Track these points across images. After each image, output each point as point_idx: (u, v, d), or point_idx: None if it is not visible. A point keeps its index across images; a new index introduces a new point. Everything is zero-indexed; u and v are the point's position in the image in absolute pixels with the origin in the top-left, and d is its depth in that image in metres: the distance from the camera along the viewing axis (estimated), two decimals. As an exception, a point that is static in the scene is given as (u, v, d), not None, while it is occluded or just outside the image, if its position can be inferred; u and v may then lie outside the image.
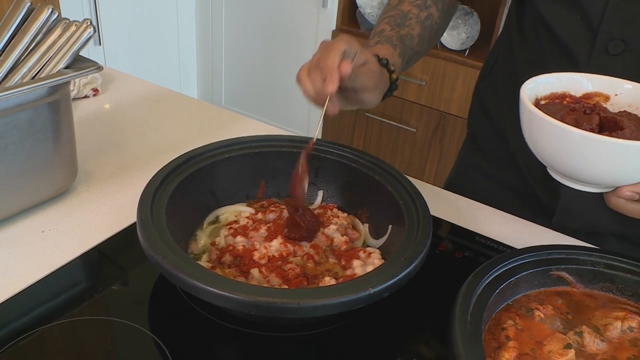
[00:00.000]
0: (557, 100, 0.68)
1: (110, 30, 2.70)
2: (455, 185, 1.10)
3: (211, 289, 0.54)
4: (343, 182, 0.80)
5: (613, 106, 0.68)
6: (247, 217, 0.76)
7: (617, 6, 0.75)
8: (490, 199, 0.94)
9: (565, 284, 0.65)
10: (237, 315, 0.64)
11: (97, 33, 2.62)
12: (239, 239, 0.71)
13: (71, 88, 1.06)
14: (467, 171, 1.10)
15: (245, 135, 0.82)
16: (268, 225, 0.73)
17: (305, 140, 0.82)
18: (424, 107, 2.55)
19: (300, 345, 0.64)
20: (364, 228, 0.77)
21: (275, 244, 0.70)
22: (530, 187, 0.94)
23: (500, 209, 0.91)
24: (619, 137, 0.58)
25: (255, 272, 0.65)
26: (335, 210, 0.78)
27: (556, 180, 0.66)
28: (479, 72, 1.07)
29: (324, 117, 0.71)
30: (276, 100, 3.07)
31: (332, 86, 0.67)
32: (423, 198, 0.70)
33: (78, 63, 0.77)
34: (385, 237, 0.72)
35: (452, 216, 0.86)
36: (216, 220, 0.77)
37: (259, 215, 0.76)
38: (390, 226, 0.72)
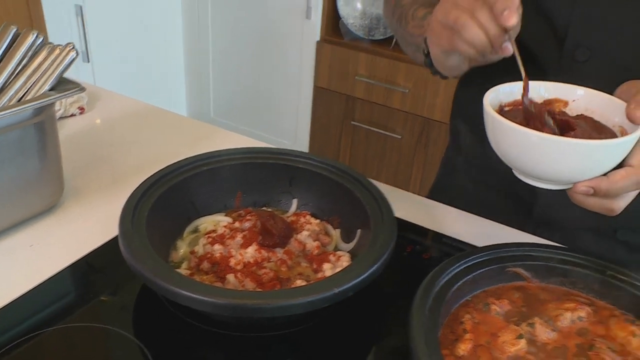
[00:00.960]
0: (519, 107, 0.71)
1: (98, 48, 2.74)
2: (440, 189, 1.14)
3: (186, 293, 0.58)
4: (316, 190, 0.84)
5: (571, 111, 0.72)
6: (225, 226, 0.80)
7: (582, 14, 0.79)
8: (475, 200, 0.99)
9: (521, 279, 0.69)
10: (216, 318, 0.68)
11: (85, 51, 2.67)
12: (217, 247, 0.75)
13: (57, 108, 1.10)
14: (450, 175, 1.13)
15: (222, 147, 0.87)
16: (244, 233, 0.77)
17: (281, 152, 0.87)
18: (408, 113, 2.61)
19: (277, 344, 0.68)
20: (336, 233, 0.81)
21: (250, 251, 0.74)
22: (511, 187, 0.97)
23: (485, 210, 0.94)
24: (570, 137, 0.62)
25: (231, 277, 0.70)
26: (308, 217, 0.82)
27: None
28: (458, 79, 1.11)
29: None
30: (264, 110, 3.12)
31: (515, 17, 0.62)
32: (387, 202, 0.75)
33: (62, 84, 0.81)
34: (355, 241, 0.77)
35: (422, 220, 0.90)
36: (196, 230, 0.81)
37: (236, 224, 0.80)
38: (359, 230, 0.76)
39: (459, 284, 0.64)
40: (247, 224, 0.80)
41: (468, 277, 0.65)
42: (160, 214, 0.75)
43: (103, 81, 2.79)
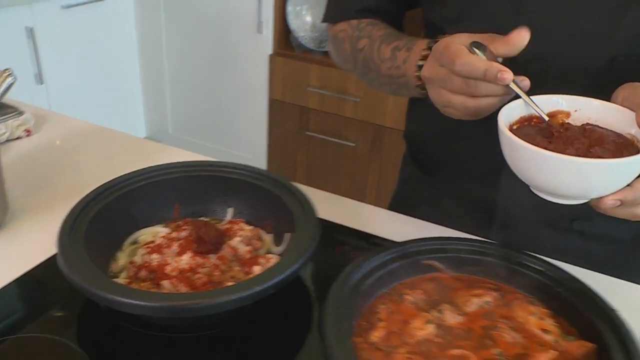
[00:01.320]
0: (525, 123, 0.71)
1: (52, 70, 2.76)
2: (400, 202, 1.17)
3: (116, 298, 0.63)
4: (248, 198, 0.89)
5: (575, 121, 0.71)
6: (163, 237, 0.84)
7: (531, 25, 0.79)
8: (436, 209, 1.00)
9: (435, 270, 0.75)
10: (154, 322, 0.72)
11: (37, 73, 2.68)
12: (154, 256, 0.79)
13: (3, 131, 1.14)
14: (410, 187, 1.16)
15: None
16: (180, 242, 0.82)
17: (215, 164, 0.92)
18: (361, 121, 2.68)
19: (215, 342, 0.72)
20: (268, 238, 0.86)
21: (185, 258, 0.79)
22: (473, 194, 0.99)
23: (446, 218, 0.96)
24: (596, 155, 0.63)
25: (166, 283, 0.74)
26: (241, 224, 0.87)
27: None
28: None
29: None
30: (222, 125, 3.16)
31: (508, 74, 0.68)
32: (311, 205, 0.80)
33: (2, 109, 0.85)
34: (285, 244, 0.82)
35: (352, 221, 0.95)
36: (135, 241, 0.85)
37: (174, 234, 0.85)
38: (287, 234, 0.82)
39: (374, 277, 0.70)
40: (183, 234, 0.84)
41: (384, 270, 0.71)
42: (100, 228, 0.79)
43: (58, 103, 2.81)
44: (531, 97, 0.70)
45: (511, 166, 0.68)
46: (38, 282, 0.81)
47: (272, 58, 2.82)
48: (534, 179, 0.66)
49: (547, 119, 0.69)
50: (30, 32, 2.60)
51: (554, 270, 0.72)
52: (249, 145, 3.10)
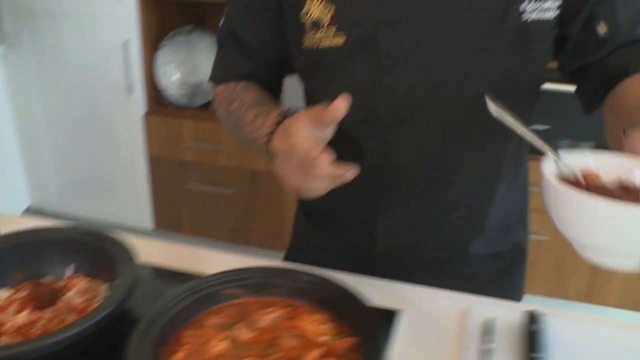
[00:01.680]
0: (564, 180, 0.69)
1: None
2: (295, 252, 1.26)
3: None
4: (84, 254, 1.00)
5: (608, 182, 0.70)
6: (6, 298, 0.94)
7: (393, 84, 0.92)
8: (327, 258, 1.06)
9: (237, 297, 0.89)
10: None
11: None
12: None
13: None
14: (303, 240, 1.26)
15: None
16: (19, 301, 0.92)
17: (53, 229, 1.03)
18: (236, 168, 2.82)
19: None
20: (103, 287, 0.98)
21: (23, 315, 0.89)
22: (355, 244, 1.12)
23: (335, 265, 1.03)
24: None
25: (4, 338, 0.85)
26: (79, 278, 0.98)
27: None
28: None
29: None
30: (104, 186, 3.21)
31: (324, 159, 0.76)
32: (127, 250, 0.93)
33: None
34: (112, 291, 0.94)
35: (182, 263, 1.08)
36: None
37: (14, 296, 0.95)
38: (114, 281, 0.94)
39: (179, 308, 0.82)
40: (23, 293, 0.95)
41: (185, 302, 0.84)
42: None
43: None
44: (562, 154, 0.70)
45: (557, 221, 0.66)
46: None
47: (146, 117, 2.92)
48: (588, 235, 0.63)
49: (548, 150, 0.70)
50: None
51: (329, 284, 0.87)
52: (133, 207, 3.16)
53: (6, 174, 3.31)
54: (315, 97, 1.03)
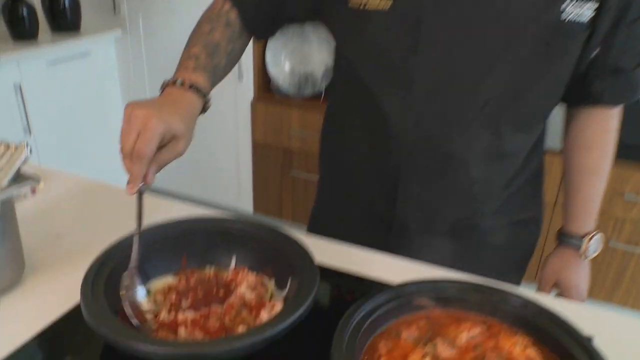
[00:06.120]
0: None
1: (40, 122, 2.83)
2: (317, 219, 1.34)
3: (145, 347, 0.69)
4: (251, 248, 0.97)
5: None
6: (174, 287, 0.91)
7: (423, 62, 0.97)
8: (346, 224, 1.17)
9: (426, 308, 0.83)
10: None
11: (26, 126, 2.75)
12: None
13: (11, 192, 1.20)
14: (324, 213, 1.32)
15: (165, 216, 0.99)
16: (192, 292, 0.89)
17: (218, 219, 0.99)
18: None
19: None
20: (270, 283, 0.93)
21: (195, 310, 0.86)
22: (371, 205, 1.15)
23: (351, 233, 1.13)
24: None
25: (182, 330, 0.81)
26: (245, 271, 0.94)
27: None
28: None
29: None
30: (207, 173, 3.24)
31: (131, 190, 0.85)
32: (308, 253, 0.88)
33: (20, 176, 0.91)
34: (287, 288, 0.89)
35: (343, 263, 1.03)
36: (149, 291, 0.92)
37: (180, 284, 0.92)
38: (289, 279, 0.89)
39: (372, 317, 0.77)
40: (194, 283, 0.91)
41: (380, 310, 0.78)
42: (116, 282, 0.85)
43: (46, 153, 2.87)
44: None
45: None
46: (57, 336, 0.87)
47: (254, 104, 2.91)
48: None
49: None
50: (18, 88, 2.67)
51: (528, 304, 0.80)
52: (234, 191, 3.17)
53: (116, 153, 3.35)
54: (348, 59, 1.07)
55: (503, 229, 1.14)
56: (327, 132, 1.25)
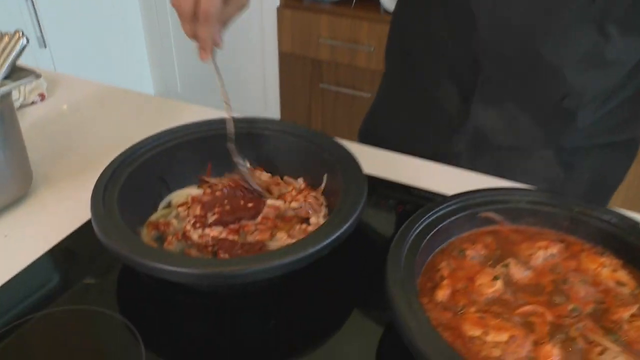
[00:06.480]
0: None
1: (54, 33, 2.68)
2: (367, 130, 1.21)
3: (160, 265, 0.58)
4: (283, 151, 0.85)
5: None
6: (198, 199, 0.80)
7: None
8: (404, 141, 1.02)
9: (493, 223, 0.70)
10: (197, 288, 0.68)
11: (40, 37, 2.61)
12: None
13: (16, 97, 1.08)
14: (381, 115, 1.19)
15: (188, 122, 0.86)
16: (220, 207, 0.77)
17: (240, 120, 0.86)
18: (375, 71, 2.60)
19: (261, 307, 0.69)
20: (297, 181, 0.83)
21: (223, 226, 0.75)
22: (445, 117, 1.02)
23: (414, 148, 0.99)
24: None
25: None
26: (285, 179, 0.83)
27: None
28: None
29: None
30: (232, 81, 3.08)
31: (205, 55, 0.75)
32: (354, 158, 0.76)
33: (17, 72, 0.79)
34: (324, 184, 0.78)
35: (391, 173, 0.90)
36: (169, 204, 0.81)
37: (207, 196, 0.80)
38: (325, 175, 0.77)
39: (432, 233, 0.65)
40: (220, 195, 0.80)
41: (441, 225, 0.66)
42: (131, 193, 0.74)
43: (64, 66, 2.75)
44: None
45: None
46: (70, 252, 0.77)
47: (280, 10, 2.73)
48: None
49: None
50: (30, -3, 2.52)
51: (621, 219, 0.67)
52: (260, 101, 3.04)
53: (132, 64, 3.24)
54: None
55: (592, 150, 0.99)
56: (401, 16, 1.12)
